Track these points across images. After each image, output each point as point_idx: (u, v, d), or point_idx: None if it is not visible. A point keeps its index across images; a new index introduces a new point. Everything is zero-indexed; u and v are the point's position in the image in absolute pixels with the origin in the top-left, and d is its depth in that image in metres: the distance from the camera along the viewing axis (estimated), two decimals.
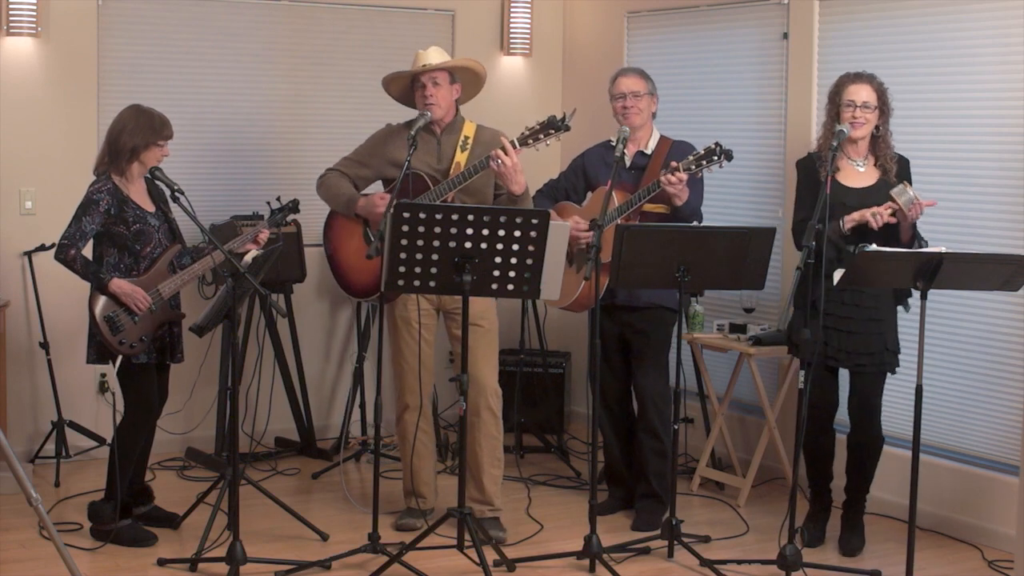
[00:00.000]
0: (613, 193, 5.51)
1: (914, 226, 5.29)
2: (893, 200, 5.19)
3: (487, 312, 5.61)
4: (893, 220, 5.23)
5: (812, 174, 5.43)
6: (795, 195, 5.57)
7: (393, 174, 5.62)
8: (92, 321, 5.28)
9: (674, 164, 5.47)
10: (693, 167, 5.43)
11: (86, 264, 5.30)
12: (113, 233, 5.34)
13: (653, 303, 5.72)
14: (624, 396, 5.97)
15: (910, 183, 5.29)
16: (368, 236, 5.67)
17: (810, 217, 5.32)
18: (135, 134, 5.32)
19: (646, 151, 5.82)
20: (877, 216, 5.20)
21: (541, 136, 5.41)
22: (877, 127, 5.36)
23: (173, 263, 5.44)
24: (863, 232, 5.24)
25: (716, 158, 5.39)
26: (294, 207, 5.71)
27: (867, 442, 5.42)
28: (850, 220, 5.26)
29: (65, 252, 5.27)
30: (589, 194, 5.93)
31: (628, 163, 5.79)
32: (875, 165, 5.40)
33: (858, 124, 5.29)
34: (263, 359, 6.83)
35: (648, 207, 5.63)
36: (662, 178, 5.46)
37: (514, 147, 5.38)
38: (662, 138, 5.87)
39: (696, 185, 5.64)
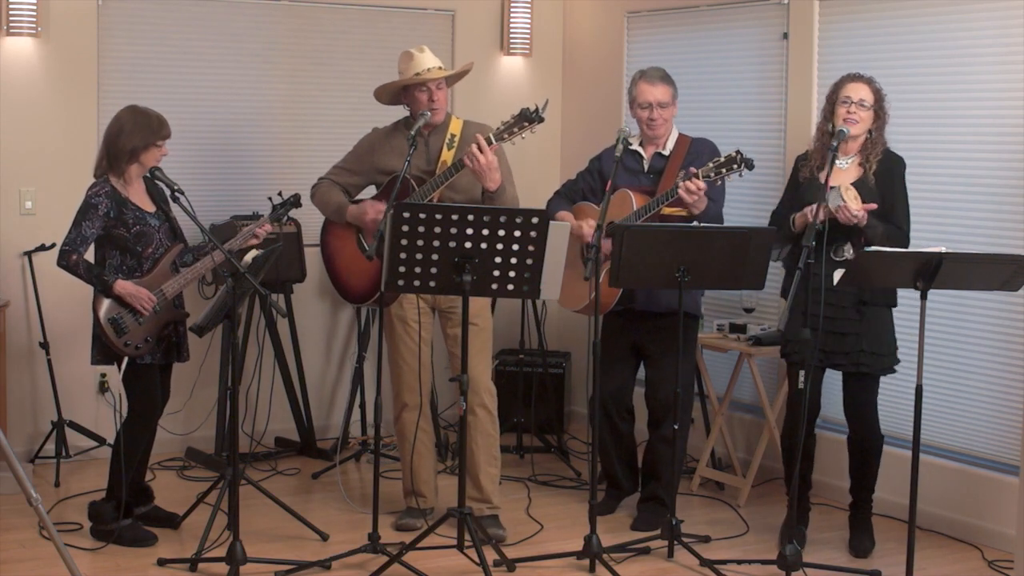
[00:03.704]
0: (633, 196, 5.48)
1: (877, 232, 5.21)
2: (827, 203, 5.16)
3: (481, 311, 5.60)
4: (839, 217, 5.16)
5: (795, 172, 5.47)
6: None
7: (383, 180, 5.62)
8: (96, 323, 5.28)
9: (692, 170, 5.33)
10: (712, 175, 5.30)
11: (89, 268, 5.30)
12: (114, 235, 5.34)
13: (673, 309, 5.52)
14: (627, 402, 5.88)
15: (895, 184, 5.28)
16: (362, 245, 5.65)
17: (782, 211, 5.35)
18: (133, 135, 5.32)
19: (664, 152, 5.74)
20: (817, 219, 5.12)
21: (515, 130, 5.35)
22: (871, 131, 5.32)
23: (176, 263, 5.44)
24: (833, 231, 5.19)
25: (736, 166, 5.25)
26: (296, 201, 5.66)
27: (864, 441, 5.41)
28: (800, 218, 5.23)
29: (67, 258, 5.27)
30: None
31: (646, 166, 5.75)
32: (859, 165, 5.37)
33: (851, 121, 5.24)
34: (263, 359, 6.83)
35: (668, 210, 5.49)
36: (680, 185, 5.33)
37: (490, 143, 5.36)
38: (680, 136, 5.78)
39: (716, 189, 5.51)
